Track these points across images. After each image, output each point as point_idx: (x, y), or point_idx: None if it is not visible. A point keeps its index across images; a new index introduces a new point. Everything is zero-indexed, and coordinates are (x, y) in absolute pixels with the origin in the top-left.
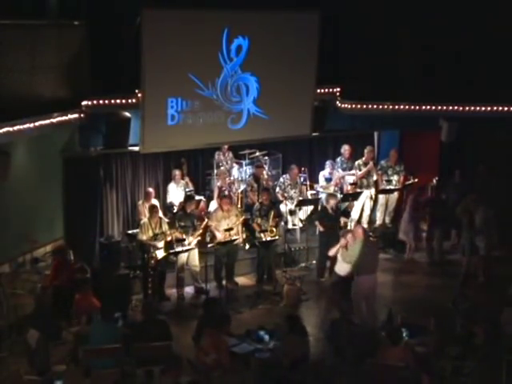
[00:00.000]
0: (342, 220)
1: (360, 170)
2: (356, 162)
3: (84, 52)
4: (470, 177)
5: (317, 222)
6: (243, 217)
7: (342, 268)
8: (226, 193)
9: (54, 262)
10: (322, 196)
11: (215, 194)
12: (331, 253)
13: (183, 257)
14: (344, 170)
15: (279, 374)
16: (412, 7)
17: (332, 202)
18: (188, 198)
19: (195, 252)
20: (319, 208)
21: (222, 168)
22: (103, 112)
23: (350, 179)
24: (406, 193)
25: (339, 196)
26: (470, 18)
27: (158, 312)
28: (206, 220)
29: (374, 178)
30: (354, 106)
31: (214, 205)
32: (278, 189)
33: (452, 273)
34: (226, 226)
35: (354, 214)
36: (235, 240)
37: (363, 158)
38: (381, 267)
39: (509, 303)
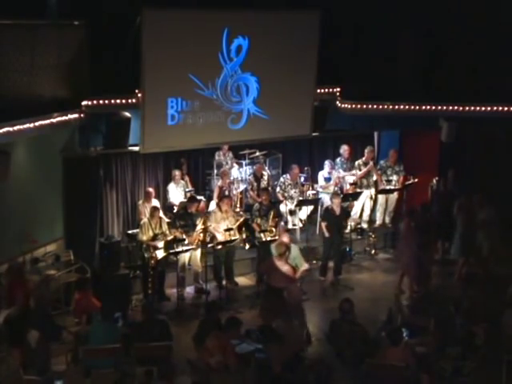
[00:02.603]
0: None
1: (360, 169)
2: (356, 162)
3: (84, 52)
4: (469, 177)
5: (323, 224)
6: (242, 218)
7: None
8: (226, 193)
9: (10, 281)
10: (322, 196)
11: (215, 194)
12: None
13: (185, 256)
14: (344, 170)
15: (277, 374)
16: (412, 7)
17: (337, 201)
18: (191, 198)
19: (197, 252)
20: (323, 208)
21: (223, 168)
22: (103, 112)
23: (350, 179)
24: (405, 193)
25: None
26: (469, 18)
27: (158, 312)
28: (203, 219)
29: (374, 177)
30: (354, 105)
31: (213, 205)
32: (278, 189)
33: (452, 273)
34: (226, 226)
35: (354, 214)
36: (234, 240)
37: (363, 158)
38: (381, 267)
39: (509, 303)
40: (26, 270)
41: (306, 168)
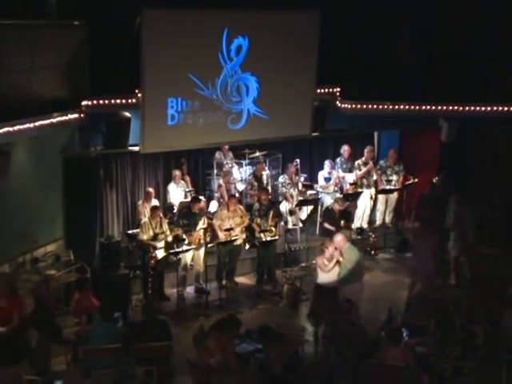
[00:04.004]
0: (342, 221)
1: (360, 169)
2: (356, 162)
3: (84, 52)
4: (469, 177)
5: (326, 224)
6: (248, 218)
7: (324, 278)
8: (230, 193)
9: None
10: (322, 196)
11: (219, 194)
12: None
13: (187, 256)
14: (344, 170)
15: (277, 374)
16: (412, 7)
17: (338, 207)
18: (194, 198)
19: (201, 251)
20: (323, 208)
21: (224, 168)
22: (103, 112)
23: (350, 179)
24: (405, 193)
25: (338, 195)
26: (470, 18)
27: (158, 312)
28: (204, 219)
29: (374, 177)
30: (353, 106)
31: (214, 205)
32: (284, 189)
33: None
34: (229, 225)
35: (357, 215)
36: (235, 240)
37: (363, 158)
38: (381, 267)
39: (509, 304)
40: (16, 284)
41: (295, 162)
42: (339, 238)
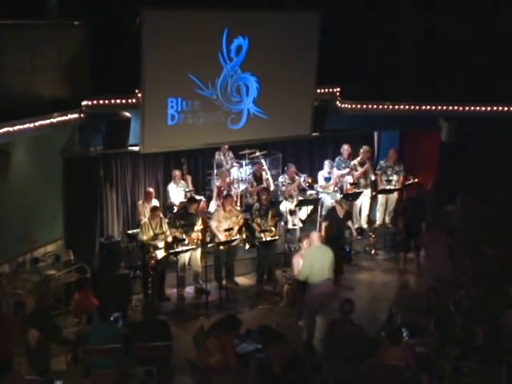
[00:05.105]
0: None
1: (356, 170)
2: (352, 163)
3: (84, 52)
4: (469, 177)
5: (324, 224)
6: (243, 218)
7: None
8: (225, 193)
9: None
10: (322, 196)
11: (214, 194)
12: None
13: (185, 256)
14: (343, 169)
15: (277, 374)
16: (412, 7)
17: (341, 210)
18: (190, 199)
19: (198, 252)
20: (323, 208)
21: (223, 168)
22: (103, 112)
23: (350, 179)
24: (405, 193)
25: (338, 196)
26: (470, 18)
27: (158, 312)
28: (201, 220)
29: (373, 178)
30: (354, 106)
31: (213, 205)
32: (283, 188)
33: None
34: (227, 226)
35: (355, 214)
36: (235, 240)
37: (358, 158)
38: (381, 267)
39: (509, 304)
40: None
41: (287, 164)
42: (314, 237)
